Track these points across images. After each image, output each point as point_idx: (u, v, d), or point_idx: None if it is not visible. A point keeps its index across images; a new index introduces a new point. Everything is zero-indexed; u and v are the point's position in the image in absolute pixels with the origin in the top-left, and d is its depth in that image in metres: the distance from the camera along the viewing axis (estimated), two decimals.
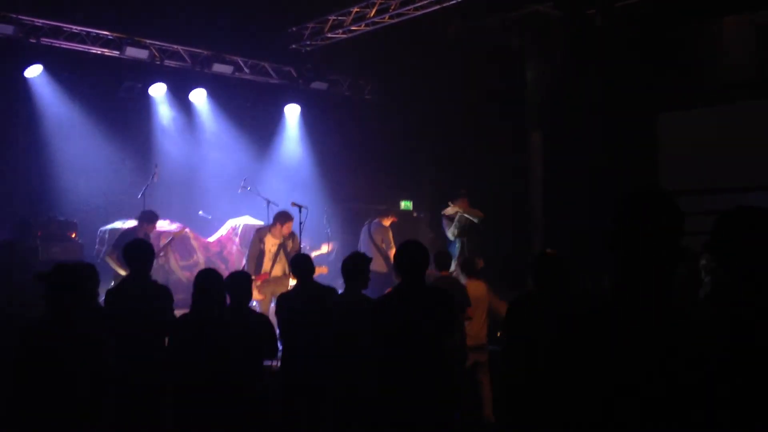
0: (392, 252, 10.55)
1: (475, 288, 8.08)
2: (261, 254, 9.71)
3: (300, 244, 10.07)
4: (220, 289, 5.45)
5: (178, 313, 5.81)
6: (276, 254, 9.80)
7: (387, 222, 11.36)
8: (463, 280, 8.25)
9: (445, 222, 11.06)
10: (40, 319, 4.70)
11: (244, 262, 10.07)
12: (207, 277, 5.46)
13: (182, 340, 5.32)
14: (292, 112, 13.97)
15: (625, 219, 2.37)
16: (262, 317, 5.98)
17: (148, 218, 9.74)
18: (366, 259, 6.10)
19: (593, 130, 10.76)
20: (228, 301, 5.53)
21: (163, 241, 10.60)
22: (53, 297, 4.58)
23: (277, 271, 9.80)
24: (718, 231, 2.81)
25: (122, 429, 5.16)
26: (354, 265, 5.91)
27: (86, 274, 5.08)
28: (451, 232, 11.02)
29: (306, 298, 6.38)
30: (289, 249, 9.79)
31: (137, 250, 5.95)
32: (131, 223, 10.79)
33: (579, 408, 2.32)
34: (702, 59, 10.40)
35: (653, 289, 2.31)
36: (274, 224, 9.82)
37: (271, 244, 9.78)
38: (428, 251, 5.24)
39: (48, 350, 4.50)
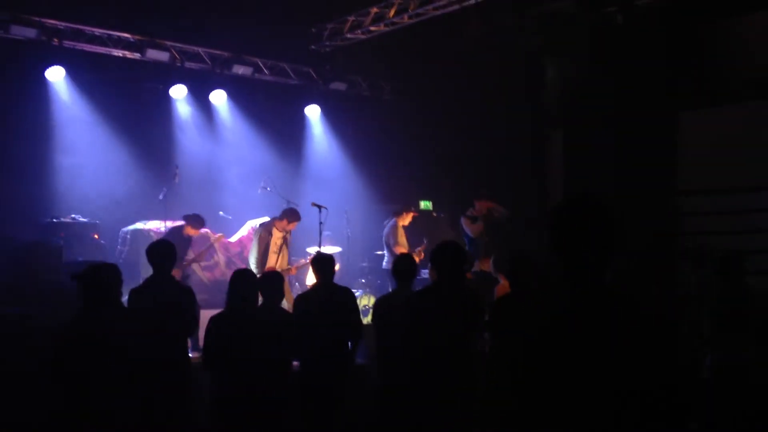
0: (398, 249, 10.53)
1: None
2: (267, 249, 9.90)
3: (320, 244, 10.15)
4: (254, 289, 5.60)
5: (205, 312, 5.91)
6: (280, 248, 10.03)
7: (401, 220, 11.18)
8: (500, 279, 8.14)
9: (464, 221, 10.83)
10: (74, 318, 4.82)
11: (251, 257, 10.00)
12: (242, 277, 5.61)
13: (220, 337, 5.40)
14: (313, 113, 13.99)
15: (557, 226, 2.65)
16: (290, 316, 6.07)
17: (194, 222, 10.00)
18: (414, 261, 6.33)
19: (613, 130, 10.70)
20: (260, 300, 5.74)
21: (191, 255, 10.61)
22: (88, 296, 4.72)
23: (282, 264, 10.02)
24: None
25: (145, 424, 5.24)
26: (410, 265, 6.15)
27: (114, 273, 5.19)
28: (472, 231, 10.73)
29: (325, 298, 6.39)
30: (288, 242, 10.16)
31: (160, 250, 6.00)
32: (155, 224, 10.90)
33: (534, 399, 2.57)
34: (723, 57, 10.30)
35: (588, 286, 2.57)
36: (281, 218, 10.05)
37: (276, 237, 10.00)
38: (465, 253, 5.53)
39: (84, 348, 4.61)
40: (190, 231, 10.03)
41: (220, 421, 5.34)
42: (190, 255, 10.33)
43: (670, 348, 2.53)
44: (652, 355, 2.46)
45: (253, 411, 5.25)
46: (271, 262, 9.88)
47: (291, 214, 10.11)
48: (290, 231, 10.20)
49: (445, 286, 5.14)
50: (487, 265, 9.63)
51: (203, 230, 11.42)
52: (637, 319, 2.50)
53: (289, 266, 10.17)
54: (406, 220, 11.22)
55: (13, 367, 6.70)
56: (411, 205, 11.71)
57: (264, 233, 9.98)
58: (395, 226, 11.10)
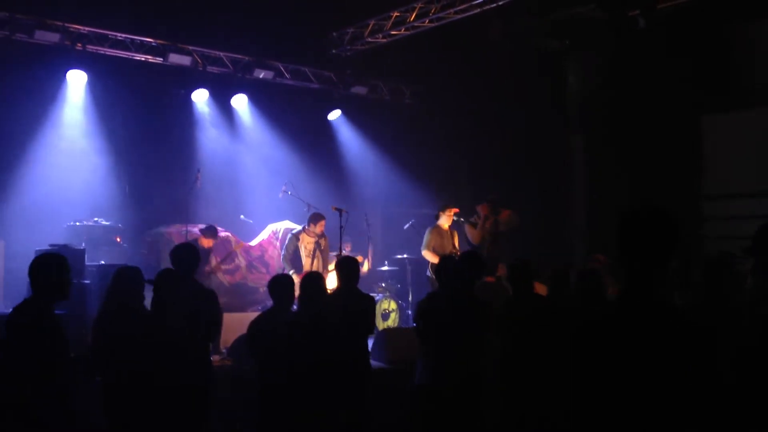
0: (425, 253, 10.38)
1: None
2: (296, 253, 10.30)
3: (343, 248, 10.16)
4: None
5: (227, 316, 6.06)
6: (313, 252, 10.34)
7: (441, 224, 10.49)
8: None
9: (466, 228, 10.53)
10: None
11: (282, 263, 10.45)
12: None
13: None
14: (334, 117, 14.00)
15: (625, 235, 2.71)
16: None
17: (207, 233, 10.31)
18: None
19: (636, 134, 10.63)
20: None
21: (215, 261, 10.71)
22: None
23: (317, 267, 10.23)
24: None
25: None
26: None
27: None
28: (473, 237, 10.43)
29: (346, 303, 6.29)
30: (323, 247, 10.44)
31: (183, 253, 6.01)
32: (175, 227, 10.96)
33: (588, 409, 2.64)
34: (746, 60, 10.21)
35: (652, 296, 2.62)
36: (308, 224, 10.46)
37: (307, 242, 10.36)
38: (479, 260, 6.16)
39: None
40: (205, 242, 10.19)
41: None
42: (212, 263, 10.41)
43: (709, 366, 2.56)
44: (702, 368, 2.51)
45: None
46: (306, 267, 10.18)
47: (314, 217, 10.48)
48: (322, 235, 10.45)
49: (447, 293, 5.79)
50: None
51: (224, 234, 11.49)
52: (693, 333, 2.56)
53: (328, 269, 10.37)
54: (441, 223, 10.48)
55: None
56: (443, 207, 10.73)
57: (292, 239, 10.43)
58: (429, 232, 10.50)
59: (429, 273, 10.31)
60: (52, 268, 4.59)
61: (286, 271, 9.64)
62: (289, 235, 10.56)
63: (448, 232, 10.46)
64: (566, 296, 6.17)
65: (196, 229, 10.74)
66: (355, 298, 6.35)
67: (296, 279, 6.79)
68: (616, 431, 2.55)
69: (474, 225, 10.48)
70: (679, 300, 5.15)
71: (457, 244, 10.46)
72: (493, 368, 5.91)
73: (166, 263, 6.24)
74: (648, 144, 10.47)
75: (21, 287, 9.10)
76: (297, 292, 6.04)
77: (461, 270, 5.96)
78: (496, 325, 5.97)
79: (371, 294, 7.30)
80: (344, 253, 10.05)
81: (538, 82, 11.53)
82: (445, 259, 6.56)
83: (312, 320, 5.78)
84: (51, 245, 9.24)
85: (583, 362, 2.66)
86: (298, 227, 10.77)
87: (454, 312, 5.75)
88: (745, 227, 10.17)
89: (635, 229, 2.69)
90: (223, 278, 11.37)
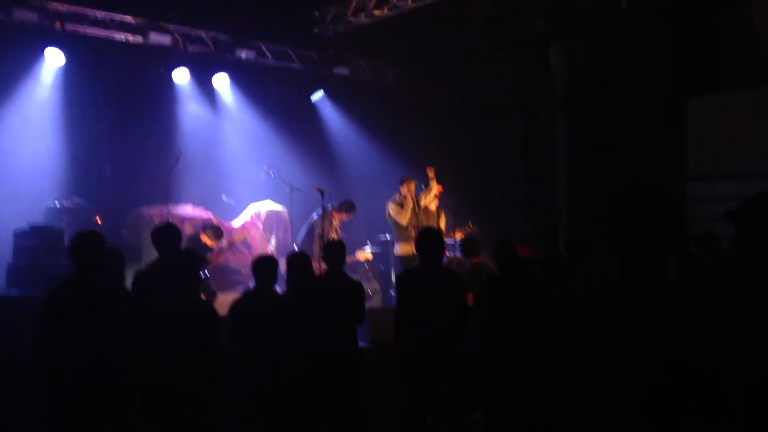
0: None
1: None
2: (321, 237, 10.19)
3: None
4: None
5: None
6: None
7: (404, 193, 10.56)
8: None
9: (392, 208, 10.39)
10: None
11: (315, 249, 10.15)
12: (298, 262, 6.03)
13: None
14: (315, 97, 13.91)
15: (619, 219, 2.67)
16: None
17: (211, 233, 10.12)
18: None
19: (620, 116, 10.64)
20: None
21: (189, 230, 10.66)
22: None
23: None
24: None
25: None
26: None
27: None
28: (399, 218, 10.30)
29: (331, 288, 6.27)
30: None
31: (164, 233, 5.96)
32: (156, 208, 10.88)
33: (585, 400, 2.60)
34: (730, 43, 10.24)
35: (649, 281, 2.59)
36: (339, 211, 10.63)
37: (336, 226, 10.56)
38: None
39: None
40: (207, 241, 9.99)
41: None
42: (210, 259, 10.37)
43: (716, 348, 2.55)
44: (701, 355, 2.49)
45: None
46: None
47: (349, 207, 10.68)
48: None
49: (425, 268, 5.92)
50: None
51: (206, 215, 11.42)
52: (693, 319, 2.54)
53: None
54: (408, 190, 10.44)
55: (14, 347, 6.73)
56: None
57: (326, 223, 10.39)
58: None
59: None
60: (94, 245, 4.91)
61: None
62: (322, 222, 10.38)
63: (434, 213, 10.45)
64: (559, 281, 6.14)
65: (178, 210, 10.65)
66: (341, 282, 6.35)
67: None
68: (619, 419, 2.53)
69: (399, 204, 10.37)
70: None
71: (443, 225, 10.45)
72: (476, 343, 6.02)
73: (147, 244, 6.18)
74: (633, 126, 10.50)
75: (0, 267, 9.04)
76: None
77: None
78: (480, 302, 6.09)
79: (354, 275, 7.28)
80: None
81: (522, 65, 11.52)
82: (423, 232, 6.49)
83: (300, 301, 5.75)
84: (30, 225, 9.15)
85: (588, 351, 2.61)
86: (280, 207, 10.70)
87: (431, 283, 5.84)
88: (729, 208, 10.27)
89: (636, 214, 2.63)
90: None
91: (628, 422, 2.49)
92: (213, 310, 5.34)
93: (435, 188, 10.47)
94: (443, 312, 5.75)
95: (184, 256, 5.47)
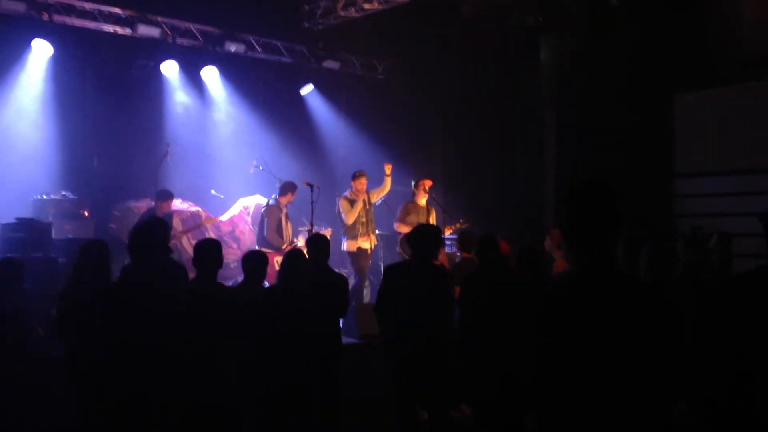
0: (398, 226, 10.31)
1: None
2: (279, 225, 10.13)
3: (312, 224, 10.11)
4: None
5: None
6: (286, 222, 10.30)
7: (417, 200, 10.36)
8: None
9: (342, 205, 10.26)
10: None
11: (265, 236, 10.11)
12: (294, 258, 6.00)
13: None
14: (305, 91, 13.88)
15: (570, 210, 2.78)
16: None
17: (163, 197, 9.85)
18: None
19: (608, 110, 10.65)
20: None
21: (180, 227, 10.69)
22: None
23: (289, 236, 10.29)
24: None
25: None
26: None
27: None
28: (346, 216, 10.17)
29: (316, 278, 6.19)
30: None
31: (153, 228, 5.91)
32: (145, 201, 10.83)
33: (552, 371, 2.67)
34: (719, 38, 10.24)
35: (598, 268, 2.68)
36: (283, 193, 10.28)
37: (284, 213, 10.26)
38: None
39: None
40: (164, 207, 9.92)
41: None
42: (177, 228, 10.30)
43: (677, 330, 2.64)
44: (661, 336, 2.58)
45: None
46: (289, 237, 10.21)
47: (291, 187, 10.34)
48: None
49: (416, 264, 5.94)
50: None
51: (194, 209, 11.39)
52: (650, 301, 2.64)
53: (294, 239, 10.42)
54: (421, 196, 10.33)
55: None
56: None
57: (274, 210, 10.19)
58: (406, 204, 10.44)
59: (399, 248, 10.27)
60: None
61: (294, 245, 9.75)
62: (270, 211, 10.18)
63: (425, 209, 10.36)
64: (534, 272, 6.26)
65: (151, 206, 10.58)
66: (325, 274, 6.31)
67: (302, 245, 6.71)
68: (585, 402, 2.59)
69: (350, 202, 10.25)
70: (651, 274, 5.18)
71: (432, 221, 10.38)
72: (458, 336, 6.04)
73: None
74: (620, 121, 10.50)
75: None
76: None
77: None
78: (461, 296, 6.09)
79: (342, 270, 7.27)
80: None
81: (512, 58, 11.50)
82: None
83: (285, 293, 5.74)
84: (17, 219, 9.10)
85: (551, 336, 2.68)
86: (258, 196, 10.66)
87: (418, 279, 5.82)
88: (716, 205, 10.34)
89: (587, 203, 2.72)
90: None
91: (599, 404, 2.57)
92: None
93: (389, 185, 10.49)
94: (428, 307, 5.75)
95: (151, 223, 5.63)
